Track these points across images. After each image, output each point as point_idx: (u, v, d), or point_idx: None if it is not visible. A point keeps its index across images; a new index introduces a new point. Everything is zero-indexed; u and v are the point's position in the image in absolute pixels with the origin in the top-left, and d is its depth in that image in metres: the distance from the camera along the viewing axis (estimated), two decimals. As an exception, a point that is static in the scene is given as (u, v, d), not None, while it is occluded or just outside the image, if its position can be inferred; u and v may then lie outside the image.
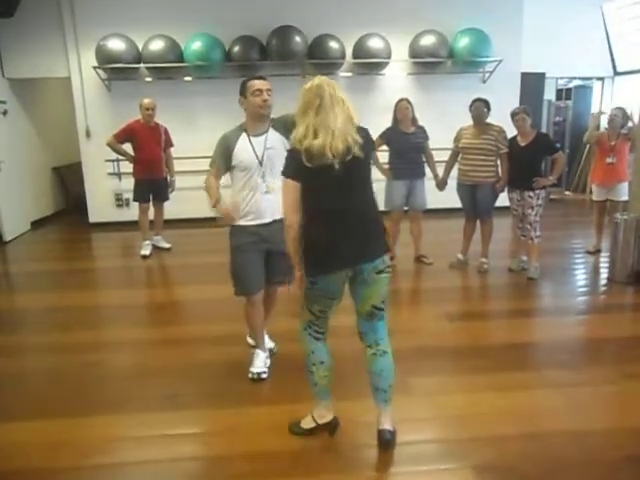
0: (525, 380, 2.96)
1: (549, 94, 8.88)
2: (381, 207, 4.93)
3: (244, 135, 2.84)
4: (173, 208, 6.16)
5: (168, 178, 5.75)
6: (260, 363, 3.05)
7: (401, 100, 4.82)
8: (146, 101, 5.46)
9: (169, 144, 5.73)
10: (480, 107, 4.68)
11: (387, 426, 2.35)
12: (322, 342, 2.46)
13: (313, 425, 2.48)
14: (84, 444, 2.48)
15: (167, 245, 5.93)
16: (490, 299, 4.49)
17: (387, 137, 4.83)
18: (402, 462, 2.32)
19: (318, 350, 2.43)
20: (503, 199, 4.94)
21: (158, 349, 3.39)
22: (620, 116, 5.15)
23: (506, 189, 4.80)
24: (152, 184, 5.62)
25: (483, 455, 2.32)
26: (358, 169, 2.20)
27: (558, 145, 4.83)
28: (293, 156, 2.20)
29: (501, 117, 4.83)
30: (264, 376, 3.01)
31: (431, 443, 2.45)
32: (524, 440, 2.41)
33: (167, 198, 5.82)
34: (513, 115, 4.59)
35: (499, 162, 4.71)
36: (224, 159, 2.83)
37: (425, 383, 2.94)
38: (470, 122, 4.78)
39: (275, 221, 2.81)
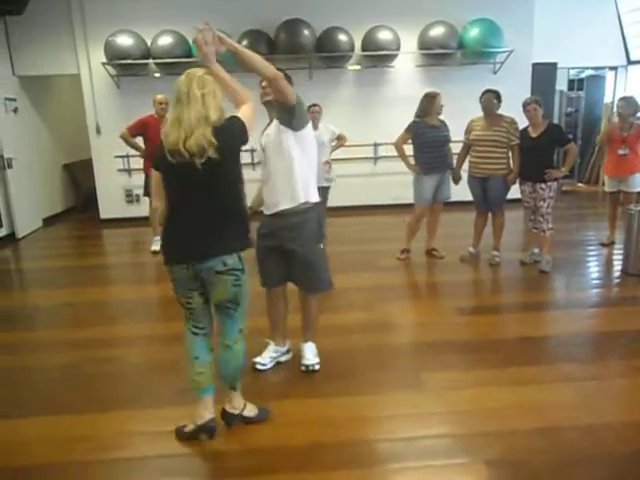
0: (537, 374, 2.94)
1: (561, 84, 8.76)
2: (392, 201, 5.01)
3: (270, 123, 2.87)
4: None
5: None
6: (264, 354, 3.09)
7: (438, 94, 4.75)
8: (160, 97, 5.51)
9: None
10: (490, 98, 4.62)
11: (227, 407, 2.49)
12: (200, 337, 2.43)
13: (192, 427, 2.43)
14: (99, 439, 2.51)
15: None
16: (502, 292, 4.46)
17: (413, 131, 4.77)
18: (414, 457, 2.31)
19: (194, 345, 2.43)
20: (515, 191, 4.89)
21: (170, 344, 3.39)
22: (626, 106, 5.05)
23: (518, 181, 4.75)
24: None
25: (495, 449, 2.31)
26: (213, 170, 2.12)
27: (570, 136, 4.75)
28: (160, 147, 2.20)
29: (512, 108, 4.77)
30: (259, 367, 3.04)
31: (443, 438, 2.43)
32: (536, 434, 2.40)
33: None
34: (524, 105, 4.53)
35: (511, 154, 4.66)
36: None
37: (436, 378, 2.93)
38: (481, 114, 4.73)
39: (277, 214, 2.81)
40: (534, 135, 4.52)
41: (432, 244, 5.19)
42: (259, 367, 3.06)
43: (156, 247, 5.62)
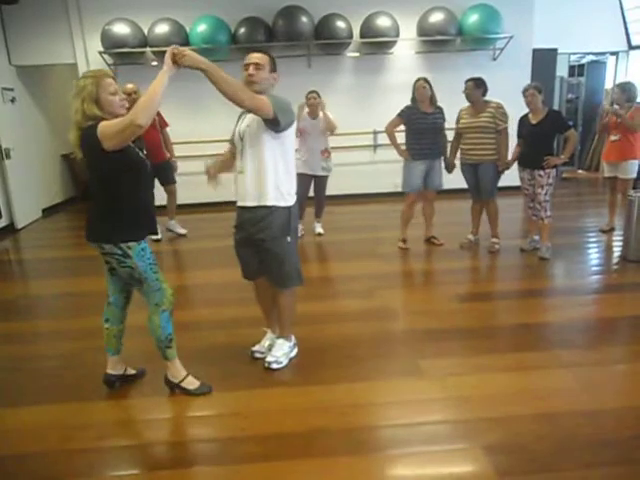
0: (536, 360, 2.95)
1: (561, 71, 8.72)
2: (399, 189, 5.00)
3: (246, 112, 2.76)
4: (182, 194, 6.14)
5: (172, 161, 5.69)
6: (262, 342, 3.11)
7: (419, 80, 4.73)
8: (128, 86, 5.08)
9: (164, 124, 5.58)
10: (471, 86, 4.60)
11: (167, 374, 2.74)
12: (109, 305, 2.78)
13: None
14: (99, 427, 2.52)
15: (183, 231, 5.87)
16: (501, 279, 4.46)
17: (406, 116, 4.76)
18: (413, 443, 2.32)
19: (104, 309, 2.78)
20: (515, 178, 4.88)
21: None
22: (620, 92, 5.01)
23: (517, 168, 4.74)
24: (155, 169, 5.53)
25: (494, 435, 2.32)
26: (88, 160, 2.42)
27: (570, 123, 4.73)
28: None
29: (512, 95, 4.76)
30: (257, 355, 3.06)
31: (442, 424, 2.45)
32: (536, 420, 2.41)
33: (174, 181, 5.75)
34: (524, 91, 4.51)
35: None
36: (233, 133, 2.84)
37: (436, 364, 2.94)
38: (466, 104, 4.72)
39: (246, 207, 2.75)
40: (534, 122, 4.50)
41: (430, 232, 5.19)
42: (257, 355, 3.07)
43: (157, 236, 5.58)
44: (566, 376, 2.78)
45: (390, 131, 4.86)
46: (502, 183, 4.91)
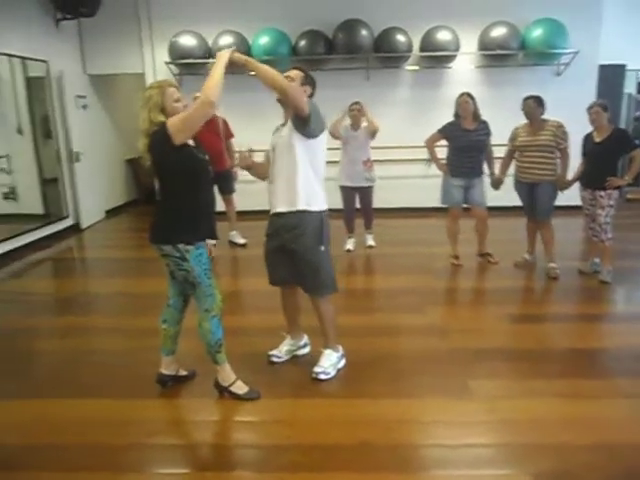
0: (592, 388, 2.83)
1: (630, 87, 8.35)
2: (438, 203, 4.94)
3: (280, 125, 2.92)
4: (240, 201, 6.24)
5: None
6: (280, 347, 3.18)
7: (462, 95, 4.66)
8: (197, 94, 5.44)
9: (229, 135, 5.74)
10: (531, 104, 4.45)
11: (217, 377, 2.80)
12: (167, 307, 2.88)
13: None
14: (149, 424, 2.61)
15: (242, 241, 5.95)
16: (557, 302, 4.30)
17: (446, 132, 4.72)
18: (460, 464, 2.28)
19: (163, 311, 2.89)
20: (576, 197, 4.72)
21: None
22: None
23: (579, 187, 4.59)
24: (217, 177, 5.67)
25: (544, 462, 2.24)
26: (154, 167, 2.53)
27: (637, 142, 4.52)
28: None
29: (576, 112, 4.61)
30: (274, 359, 3.13)
31: (489, 447, 2.39)
32: (590, 450, 2.31)
33: (233, 190, 5.90)
34: (589, 109, 4.37)
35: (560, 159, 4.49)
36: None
37: (485, 386, 2.87)
38: (524, 121, 4.59)
39: (278, 214, 2.84)
40: (597, 140, 4.34)
41: (484, 248, 5.06)
42: (274, 359, 3.14)
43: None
44: (624, 406, 2.65)
45: (430, 145, 4.84)
46: (562, 202, 4.75)
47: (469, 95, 4.64)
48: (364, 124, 5.31)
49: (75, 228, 7.02)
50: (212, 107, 2.36)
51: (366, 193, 5.49)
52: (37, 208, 6.53)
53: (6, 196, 6.04)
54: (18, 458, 2.43)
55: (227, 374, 2.78)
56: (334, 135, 5.06)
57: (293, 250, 2.82)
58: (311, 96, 2.86)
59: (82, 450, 2.43)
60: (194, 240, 2.58)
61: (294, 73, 2.84)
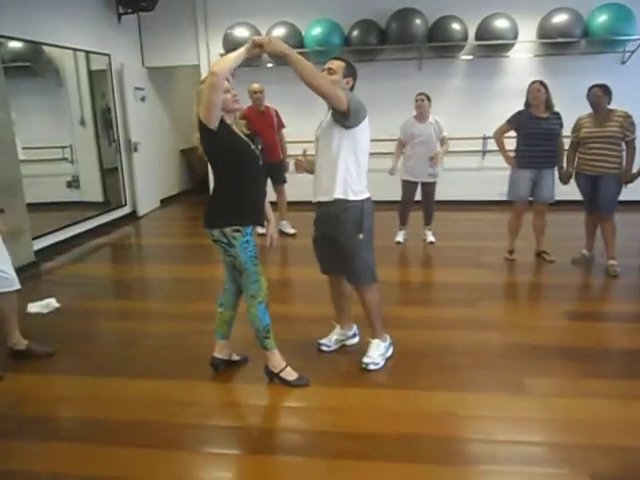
0: (655, 390, 2.71)
1: (702, 75, 7.86)
2: (504, 197, 4.81)
3: None
4: (291, 191, 6.27)
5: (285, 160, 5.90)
6: (330, 336, 3.22)
7: (534, 82, 4.47)
8: (255, 86, 5.51)
9: (281, 125, 5.79)
10: (597, 92, 4.25)
11: (268, 363, 2.85)
12: (225, 291, 2.95)
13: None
14: (202, 406, 2.69)
15: (292, 231, 6.01)
16: (617, 300, 4.12)
17: (517, 122, 4.54)
18: (512, 461, 2.23)
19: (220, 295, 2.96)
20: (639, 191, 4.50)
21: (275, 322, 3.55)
22: None
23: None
24: (269, 168, 5.70)
25: (603, 464, 2.17)
26: (205, 154, 2.61)
27: None
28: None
29: (643, 102, 4.39)
30: (323, 348, 3.16)
31: (544, 445, 2.33)
32: (651, 455, 2.22)
33: (285, 180, 5.94)
34: (656, 98, 4.15)
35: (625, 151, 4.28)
36: None
37: (540, 383, 2.79)
38: (589, 110, 4.39)
39: (320, 203, 2.86)
40: (667, 131, 4.12)
41: (541, 246, 4.89)
42: (323, 348, 3.17)
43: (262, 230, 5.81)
44: (690, 411, 2.52)
45: (499, 137, 4.68)
46: (624, 196, 4.54)
47: (541, 83, 4.45)
48: (431, 117, 5.21)
49: (132, 216, 7.28)
50: (214, 76, 2.35)
51: (429, 188, 5.40)
52: (97, 196, 6.82)
53: (69, 184, 6.32)
54: (75, 430, 2.58)
55: (277, 360, 2.83)
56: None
57: (333, 238, 2.84)
58: (352, 87, 2.83)
59: (135, 427, 2.53)
60: (240, 224, 2.61)
61: (336, 64, 2.78)
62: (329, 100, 2.60)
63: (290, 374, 2.82)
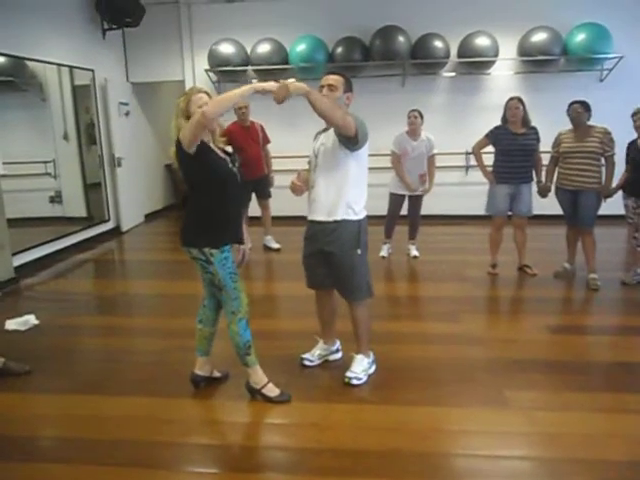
0: (636, 403, 2.72)
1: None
2: (482, 211, 4.86)
3: (322, 131, 2.90)
4: (276, 206, 6.27)
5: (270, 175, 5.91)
6: (312, 351, 3.20)
7: (512, 99, 4.55)
8: (240, 102, 5.44)
9: (266, 141, 5.80)
10: (577, 109, 4.33)
11: (249, 380, 2.82)
12: (203, 307, 2.94)
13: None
14: (184, 423, 2.65)
15: (276, 245, 6.00)
16: (598, 313, 4.15)
17: (494, 137, 4.62)
18: (496, 476, 2.23)
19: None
20: (619, 206, 4.57)
21: (253, 340, 3.52)
22: None
23: (622, 195, 4.45)
24: (255, 182, 5.70)
25: (584, 478, 2.17)
26: (181, 171, 2.61)
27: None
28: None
29: (621, 118, 4.47)
30: (306, 363, 3.15)
31: (527, 460, 2.33)
32: (632, 467, 2.23)
33: (269, 195, 5.94)
34: (633, 115, 4.23)
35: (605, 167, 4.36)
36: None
37: (522, 397, 2.80)
38: (568, 126, 4.47)
39: (315, 222, 2.85)
40: (643, 147, 4.21)
41: (523, 260, 4.93)
42: (306, 363, 3.16)
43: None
44: (670, 424, 2.54)
45: (477, 151, 4.74)
46: (605, 211, 4.62)
47: (519, 100, 4.52)
48: (423, 134, 5.23)
49: (116, 231, 7.22)
50: (204, 118, 2.34)
51: (416, 201, 5.42)
52: (80, 211, 6.75)
53: (52, 199, 6.26)
54: (53, 450, 2.52)
55: (259, 377, 2.80)
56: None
57: (330, 253, 2.83)
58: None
59: (115, 445, 2.48)
60: (218, 244, 2.61)
61: (334, 79, 2.75)
62: (341, 130, 2.60)
63: (272, 390, 2.79)
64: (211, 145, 2.61)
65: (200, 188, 2.60)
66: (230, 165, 2.64)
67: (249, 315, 2.77)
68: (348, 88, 2.80)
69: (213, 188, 2.58)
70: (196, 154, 2.49)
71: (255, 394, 2.81)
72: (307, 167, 2.97)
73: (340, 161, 2.73)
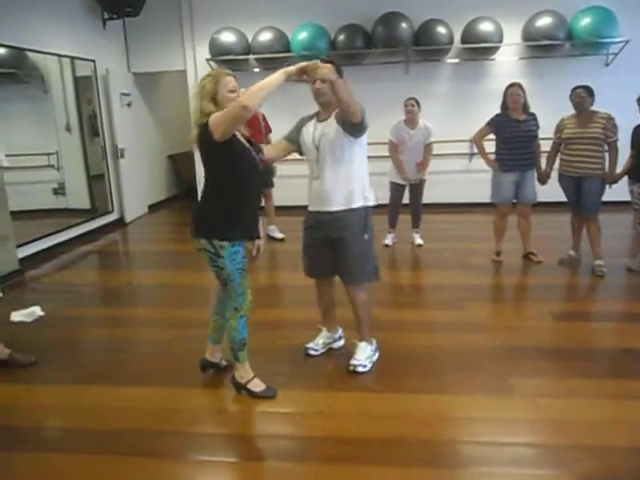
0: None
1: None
2: (486, 199, 4.84)
3: (314, 120, 2.87)
4: (280, 195, 6.24)
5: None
6: (316, 340, 3.20)
7: (512, 85, 4.52)
8: (242, 91, 5.45)
9: (268, 130, 5.76)
10: (581, 94, 4.28)
11: (234, 374, 2.77)
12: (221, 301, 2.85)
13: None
14: (190, 412, 2.66)
15: (280, 235, 6.00)
16: (603, 299, 4.14)
17: (495, 125, 4.58)
18: (498, 463, 2.23)
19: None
20: (625, 192, 4.53)
21: (258, 330, 3.48)
22: None
23: (627, 182, 4.41)
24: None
25: (589, 464, 2.17)
26: (202, 156, 2.52)
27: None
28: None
29: (626, 103, 4.42)
30: (311, 352, 3.14)
31: (532, 446, 2.33)
32: (637, 453, 2.22)
33: (272, 184, 5.93)
34: (638, 99, 4.18)
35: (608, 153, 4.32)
36: (293, 134, 2.96)
37: (526, 384, 2.80)
38: (572, 112, 4.42)
39: (325, 212, 2.83)
40: (648, 132, 4.16)
41: (528, 248, 4.91)
42: (311, 352, 3.15)
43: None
44: (675, 410, 2.54)
45: (478, 140, 4.71)
46: (610, 197, 4.58)
47: (520, 86, 4.48)
48: (421, 122, 5.19)
49: (119, 222, 7.23)
50: (246, 111, 2.26)
51: (417, 189, 5.39)
52: (84, 203, 6.76)
53: (55, 191, 6.26)
54: (58, 440, 2.54)
55: (246, 371, 2.75)
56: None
57: (338, 239, 2.82)
58: None
59: (121, 435, 2.49)
60: (232, 238, 2.53)
61: (328, 67, 2.64)
62: (351, 116, 2.59)
63: (257, 385, 2.75)
64: (236, 133, 2.49)
65: (220, 176, 2.50)
66: (253, 154, 2.56)
67: (250, 313, 2.74)
68: (340, 75, 2.75)
69: (234, 177, 2.48)
70: (225, 142, 2.39)
71: (240, 389, 2.76)
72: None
73: (346, 149, 2.73)
